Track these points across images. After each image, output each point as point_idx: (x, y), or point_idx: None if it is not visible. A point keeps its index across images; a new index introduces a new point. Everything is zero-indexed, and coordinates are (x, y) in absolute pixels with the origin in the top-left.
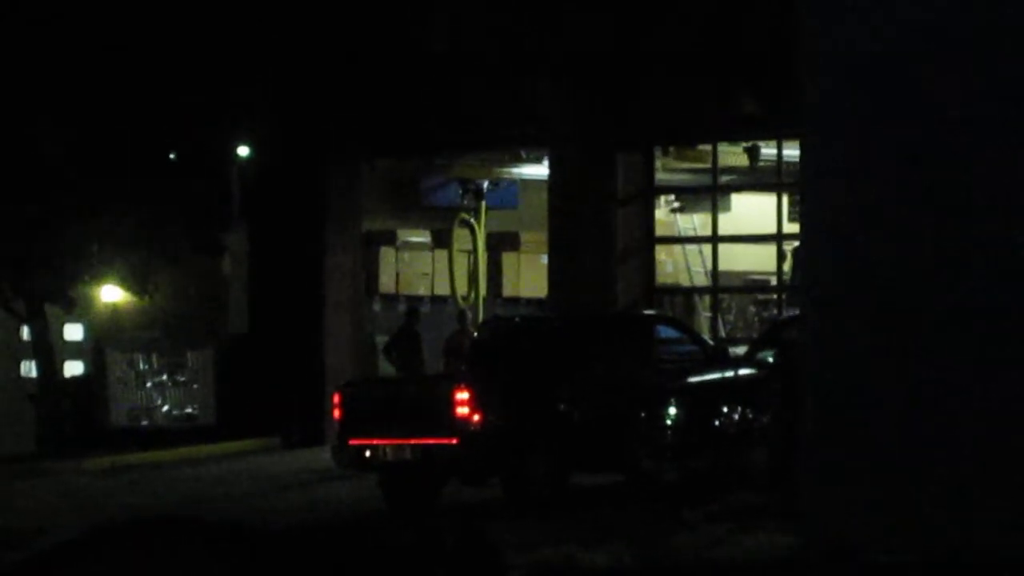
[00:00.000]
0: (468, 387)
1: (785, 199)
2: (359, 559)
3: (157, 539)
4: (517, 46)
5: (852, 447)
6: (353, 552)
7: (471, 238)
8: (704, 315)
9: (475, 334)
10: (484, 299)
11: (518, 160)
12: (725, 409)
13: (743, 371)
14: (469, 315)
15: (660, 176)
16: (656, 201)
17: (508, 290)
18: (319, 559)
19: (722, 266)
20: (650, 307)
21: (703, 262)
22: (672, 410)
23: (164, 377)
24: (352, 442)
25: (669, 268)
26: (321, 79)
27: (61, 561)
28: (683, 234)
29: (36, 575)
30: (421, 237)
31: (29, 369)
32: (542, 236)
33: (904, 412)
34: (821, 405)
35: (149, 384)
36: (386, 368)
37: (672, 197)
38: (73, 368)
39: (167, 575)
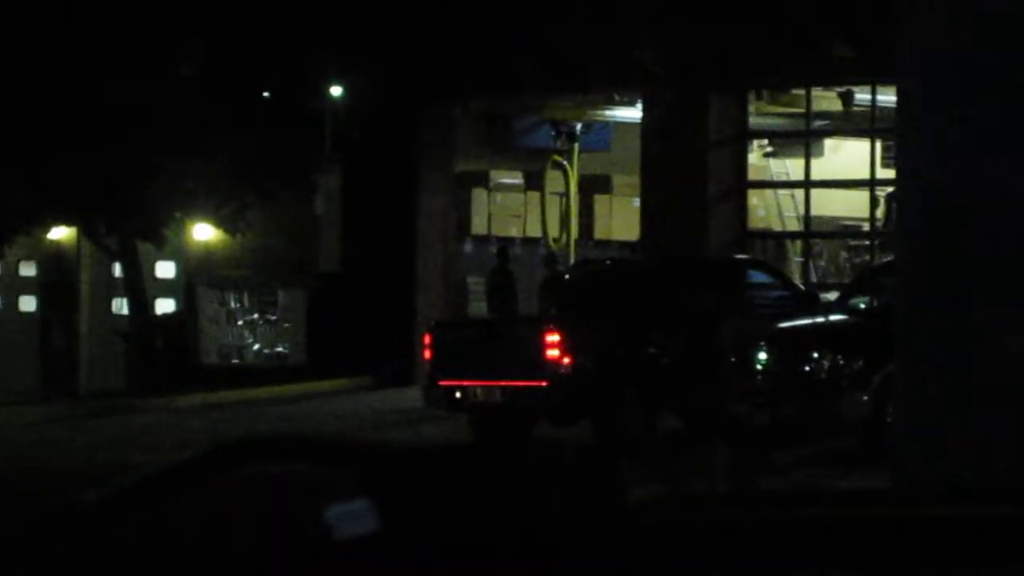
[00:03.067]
0: (559, 330)
1: (879, 144)
2: (478, 476)
3: (278, 454)
4: None
5: (941, 394)
6: (472, 469)
7: (563, 180)
8: (796, 260)
9: (566, 275)
10: (576, 242)
11: (611, 102)
12: (816, 355)
13: (834, 317)
14: (559, 257)
15: (753, 120)
16: (749, 145)
17: (599, 233)
18: (438, 474)
19: (814, 211)
20: (742, 251)
21: (795, 207)
22: (762, 355)
23: (255, 315)
24: (442, 383)
25: (761, 213)
26: (415, 19)
27: (179, 479)
28: (776, 179)
29: (153, 493)
30: (513, 179)
31: (121, 307)
32: (634, 179)
33: (994, 358)
34: (910, 352)
35: (240, 322)
36: (477, 309)
37: (765, 141)
38: (165, 306)
39: (290, 489)
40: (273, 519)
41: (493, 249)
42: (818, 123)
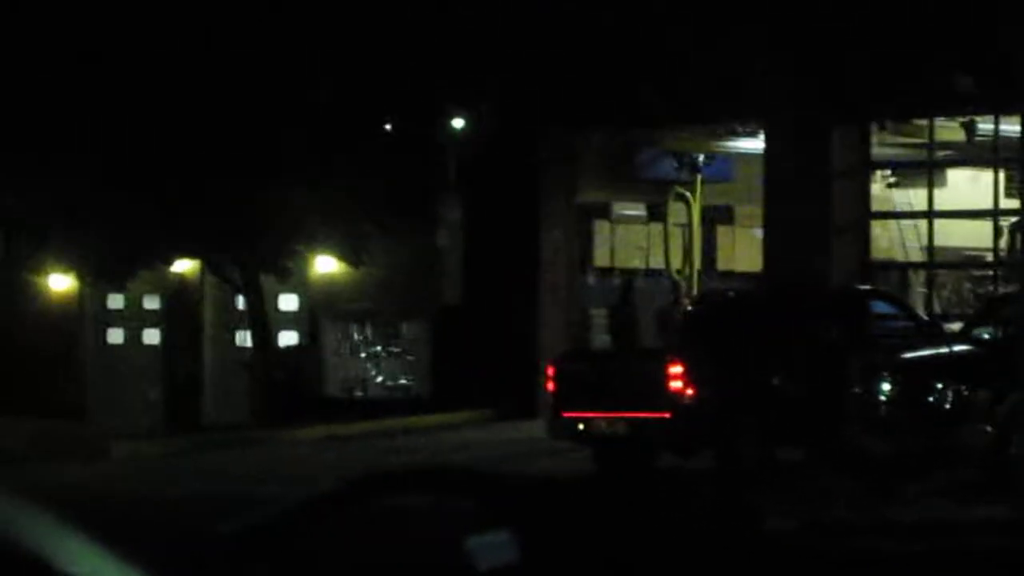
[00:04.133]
0: (681, 361)
1: (1002, 174)
2: (614, 507)
3: (418, 487)
4: (733, 21)
5: None
6: (608, 500)
7: (686, 211)
8: (919, 290)
9: (688, 307)
10: (699, 273)
11: (733, 134)
12: (940, 386)
13: (958, 347)
14: (683, 286)
15: (876, 151)
16: (872, 176)
17: (722, 264)
18: (576, 505)
19: (937, 241)
20: (865, 282)
21: (918, 237)
22: (886, 386)
23: (378, 348)
24: (566, 415)
25: (884, 243)
26: (536, 50)
27: (318, 512)
28: (898, 209)
29: (290, 526)
30: (636, 210)
31: (244, 339)
32: (757, 210)
33: None
34: None
35: (363, 355)
36: (600, 341)
37: (888, 172)
38: (287, 338)
39: (429, 522)
40: (414, 551)
41: (616, 281)
42: (941, 153)
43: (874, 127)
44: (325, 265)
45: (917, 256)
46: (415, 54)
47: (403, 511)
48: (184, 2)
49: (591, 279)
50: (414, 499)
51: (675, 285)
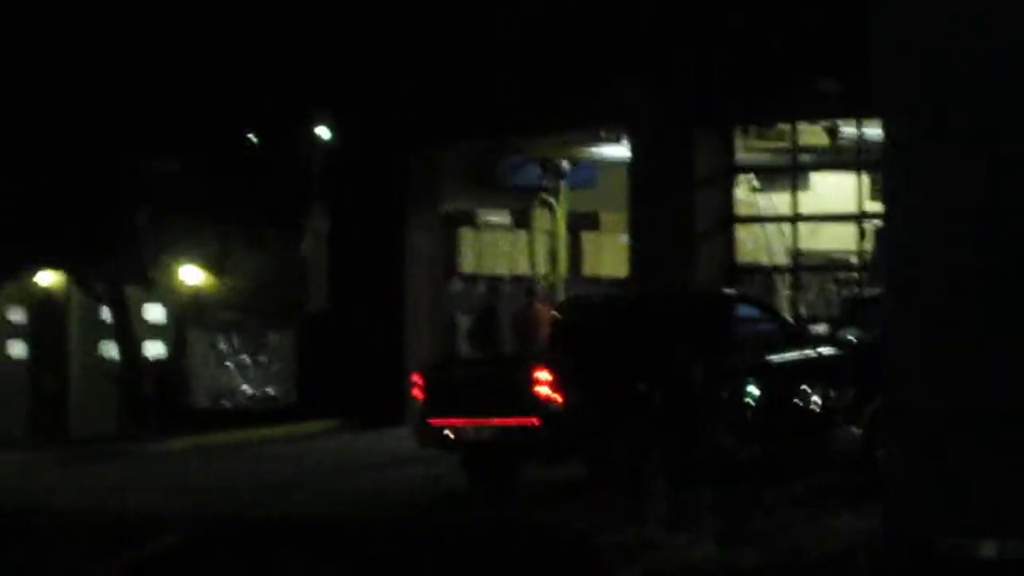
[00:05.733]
0: (549, 367)
1: (865, 177)
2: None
3: (259, 542)
4: (595, 28)
5: (926, 428)
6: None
7: (551, 218)
8: (784, 294)
9: (549, 310)
10: (564, 279)
11: (597, 140)
12: (806, 388)
13: (824, 350)
14: (538, 290)
15: (739, 155)
16: (736, 180)
17: (588, 270)
18: (410, 559)
19: (802, 245)
20: (730, 286)
21: (783, 241)
22: (752, 389)
23: (245, 357)
24: (433, 422)
25: (749, 247)
26: (399, 61)
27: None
28: (763, 213)
29: None
30: (501, 217)
31: (110, 351)
32: (622, 216)
33: (983, 397)
34: (895, 387)
35: (230, 364)
36: (466, 348)
37: (752, 176)
38: (154, 349)
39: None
40: None
41: (482, 288)
42: (805, 157)
43: (737, 131)
44: (191, 275)
45: (782, 260)
46: (281, 67)
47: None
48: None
49: (457, 286)
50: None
51: (529, 289)
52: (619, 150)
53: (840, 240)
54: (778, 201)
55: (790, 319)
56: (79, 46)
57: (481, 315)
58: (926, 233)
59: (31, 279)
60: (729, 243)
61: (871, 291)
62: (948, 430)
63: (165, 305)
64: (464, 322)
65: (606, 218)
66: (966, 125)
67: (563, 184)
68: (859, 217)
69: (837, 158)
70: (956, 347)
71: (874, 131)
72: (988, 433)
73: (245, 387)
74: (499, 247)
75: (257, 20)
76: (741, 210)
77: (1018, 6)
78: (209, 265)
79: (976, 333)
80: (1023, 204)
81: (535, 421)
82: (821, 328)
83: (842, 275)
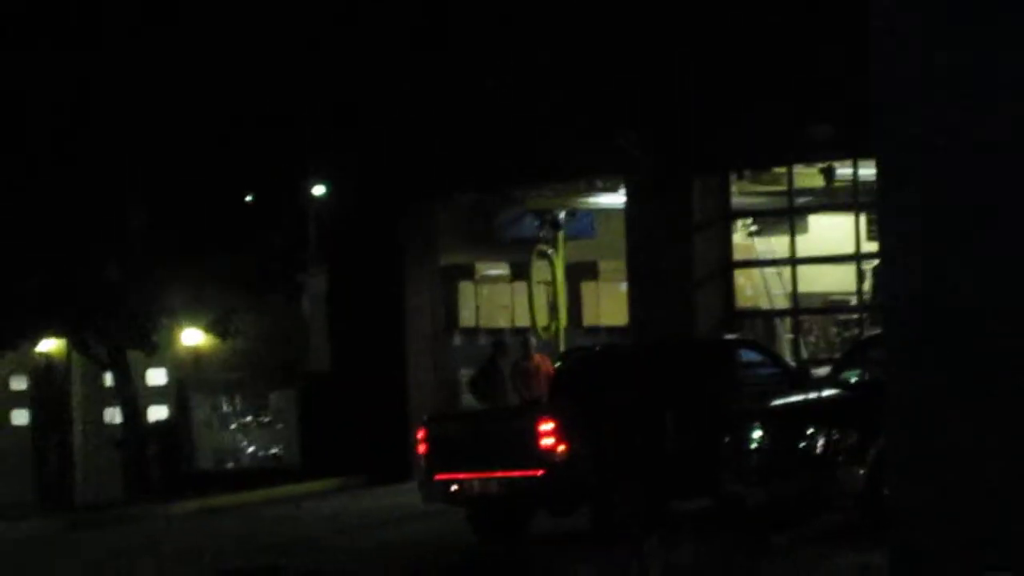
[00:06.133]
0: (552, 418)
1: (863, 218)
2: None
3: None
4: (589, 78)
5: (931, 467)
6: None
7: (549, 269)
8: (786, 337)
9: (547, 362)
10: (565, 329)
11: (594, 189)
12: (810, 431)
13: (827, 392)
14: (532, 342)
15: (736, 200)
16: (733, 225)
17: (588, 319)
18: None
19: (802, 288)
20: (731, 331)
21: (782, 284)
22: (756, 433)
23: (248, 418)
24: (438, 477)
25: (749, 292)
26: (394, 117)
27: None
28: (761, 257)
29: None
30: (500, 270)
31: (113, 416)
32: (621, 264)
33: (983, 433)
34: (900, 425)
35: (233, 426)
36: (470, 402)
37: (749, 220)
38: (157, 412)
39: None
40: None
41: (483, 341)
42: (801, 200)
43: (733, 176)
44: (192, 337)
45: (782, 303)
46: (277, 125)
47: None
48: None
49: (458, 340)
50: None
51: (524, 341)
52: (616, 198)
53: (839, 282)
54: (776, 244)
55: (792, 363)
56: (79, 109)
57: (484, 367)
58: (924, 272)
59: (31, 346)
60: (728, 288)
61: (872, 332)
62: (952, 469)
63: (167, 368)
64: (466, 376)
65: (605, 267)
66: (962, 163)
67: (561, 235)
68: (857, 258)
69: (833, 200)
70: (958, 386)
71: (870, 171)
72: (992, 472)
73: (249, 448)
74: (498, 300)
75: (250, 77)
76: (739, 255)
77: (1013, 59)
78: (210, 327)
79: (978, 371)
80: (1020, 241)
81: (540, 472)
82: (823, 370)
83: (842, 316)
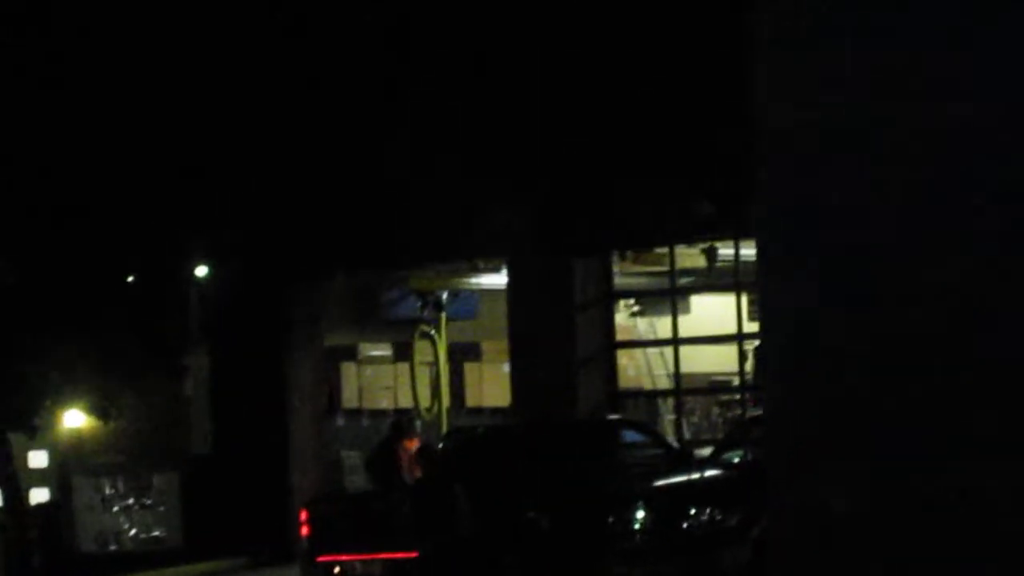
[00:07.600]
0: (431, 499)
1: (744, 298)
2: None
3: None
4: (469, 159)
5: (815, 544)
6: None
7: (432, 350)
8: (668, 417)
9: (440, 444)
10: (448, 410)
11: (476, 270)
12: (693, 511)
13: (709, 472)
14: (405, 424)
15: (618, 280)
16: (615, 305)
17: (472, 400)
18: None
19: (684, 368)
20: (613, 411)
21: (665, 365)
22: (640, 514)
23: (130, 500)
24: (321, 559)
25: (631, 372)
26: (276, 197)
27: None
28: (643, 337)
29: None
30: (382, 351)
31: None
32: (503, 345)
33: (867, 501)
34: (782, 502)
35: (116, 508)
36: (354, 483)
37: (632, 301)
38: (39, 495)
39: None
40: None
41: (365, 422)
42: (683, 280)
43: (615, 256)
44: (73, 419)
45: (664, 383)
46: (158, 205)
47: None
48: None
49: (340, 421)
50: None
51: (395, 423)
52: (499, 279)
53: (721, 362)
54: (658, 325)
55: (674, 443)
56: None
57: (380, 447)
58: (800, 350)
59: None
60: (611, 368)
61: (753, 412)
62: (831, 547)
63: (48, 450)
64: (349, 457)
65: (488, 347)
66: (838, 241)
67: (443, 315)
68: (739, 338)
69: (716, 280)
70: (832, 462)
71: (751, 251)
72: (872, 547)
73: (132, 530)
74: (381, 381)
75: (130, 155)
76: (622, 335)
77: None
78: (92, 409)
79: (858, 447)
80: (900, 320)
81: (418, 554)
82: (706, 451)
83: (724, 397)
